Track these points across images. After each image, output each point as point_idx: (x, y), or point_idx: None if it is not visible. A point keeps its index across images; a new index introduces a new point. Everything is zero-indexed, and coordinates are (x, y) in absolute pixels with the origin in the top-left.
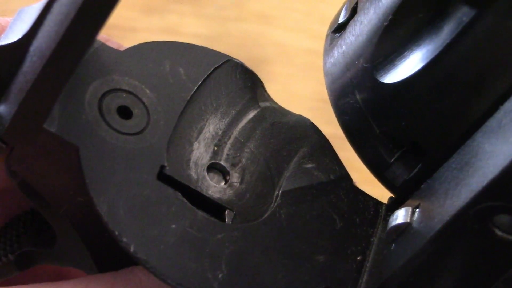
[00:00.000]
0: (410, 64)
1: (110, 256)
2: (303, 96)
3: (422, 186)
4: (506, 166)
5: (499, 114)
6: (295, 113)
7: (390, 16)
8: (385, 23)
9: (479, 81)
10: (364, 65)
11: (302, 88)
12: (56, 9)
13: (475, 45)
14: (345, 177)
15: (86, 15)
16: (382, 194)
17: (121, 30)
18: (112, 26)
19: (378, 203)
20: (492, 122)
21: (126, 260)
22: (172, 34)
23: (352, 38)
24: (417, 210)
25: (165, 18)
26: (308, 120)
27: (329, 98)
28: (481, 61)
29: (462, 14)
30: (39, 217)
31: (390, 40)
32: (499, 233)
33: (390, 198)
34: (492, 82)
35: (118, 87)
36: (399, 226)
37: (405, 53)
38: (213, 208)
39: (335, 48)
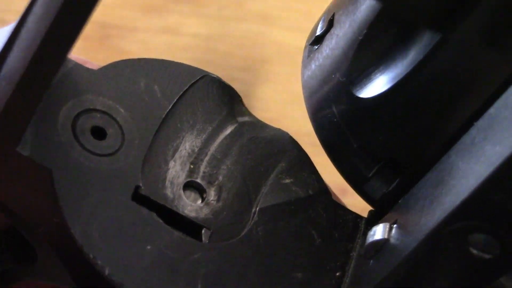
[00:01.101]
0: (385, 79)
1: (89, 275)
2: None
3: (400, 201)
4: (478, 186)
5: (472, 131)
6: (274, 127)
7: (365, 31)
8: (360, 38)
9: (449, 100)
10: (340, 79)
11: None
12: (24, 34)
13: (443, 67)
14: (324, 192)
15: (53, 40)
16: None
17: (121, 30)
18: (112, 26)
19: (357, 217)
20: (465, 139)
21: (104, 280)
22: (172, 34)
23: (328, 51)
24: (394, 226)
25: (165, 18)
26: (287, 134)
27: (307, 112)
28: (449, 81)
29: (428, 38)
30: (19, 234)
31: (366, 55)
32: (474, 251)
33: (370, 211)
34: (463, 101)
35: (92, 107)
36: (377, 242)
37: (380, 68)
38: (190, 227)
39: (312, 61)
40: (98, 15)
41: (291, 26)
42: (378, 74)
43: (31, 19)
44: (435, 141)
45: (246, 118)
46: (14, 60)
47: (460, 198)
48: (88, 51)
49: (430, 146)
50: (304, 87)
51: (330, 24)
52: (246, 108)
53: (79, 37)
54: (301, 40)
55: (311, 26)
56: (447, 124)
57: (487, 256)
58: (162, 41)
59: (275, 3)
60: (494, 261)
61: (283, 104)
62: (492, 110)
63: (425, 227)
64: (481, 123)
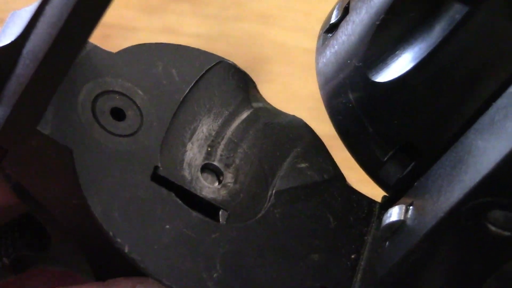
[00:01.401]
0: (403, 63)
1: (106, 259)
2: (303, 96)
3: (416, 184)
4: (499, 162)
5: (491, 111)
6: (288, 114)
7: (382, 15)
8: (377, 23)
9: (471, 79)
10: (356, 64)
11: (302, 87)
12: (49, 11)
13: (468, 43)
14: (339, 177)
15: (79, 17)
16: (380, 193)
17: (121, 30)
18: (112, 26)
19: (372, 202)
20: (484, 118)
21: (121, 263)
22: (172, 34)
23: (344, 37)
24: (411, 207)
25: (165, 18)
26: (302, 120)
27: (322, 99)
28: (473, 59)
29: (455, 12)
30: (33, 220)
31: (383, 39)
32: (493, 228)
33: (384, 197)
34: (485, 80)
35: (111, 89)
36: (393, 223)
37: (398, 52)
38: (208, 208)
39: (327, 48)
40: None
41: (291, 26)
42: (396, 58)
43: None
44: (452, 123)
45: (260, 104)
46: (38, 38)
47: (481, 175)
48: None
49: (446, 128)
50: (318, 74)
51: (345, 11)
52: (260, 95)
53: (104, 15)
54: (301, 40)
55: (311, 26)
56: (466, 104)
57: (506, 233)
58: (162, 41)
59: (275, 3)
60: None
61: (283, 104)
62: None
63: (444, 205)
64: (500, 102)
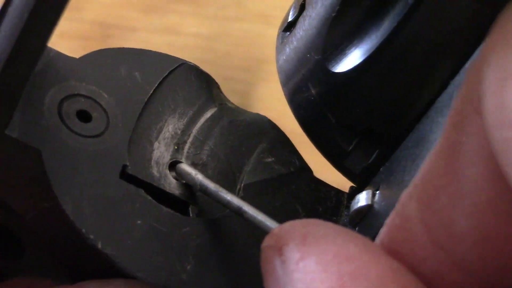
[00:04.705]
0: (360, 51)
1: (81, 262)
2: None
3: (381, 169)
4: None
5: (450, 89)
6: (252, 112)
7: (337, 7)
8: (333, 14)
9: (428, 61)
10: (315, 57)
11: None
12: (10, 13)
13: (422, 26)
14: (305, 169)
15: (35, 23)
16: None
17: (121, 30)
18: (112, 26)
19: (339, 192)
20: (443, 97)
21: (96, 264)
22: (172, 34)
23: (302, 33)
24: (377, 192)
25: (165, 18)
26: (265, 117)
27: (285, 95)
28: (428, 40)
29: (402, 2)
30: (6, 229)
31: (339, 30)
32: None
33: (351, 187)
34: (442, 60)
35: (76, 92)
36: (361, 209)
37: (355, 41)
38: (178, 204)
39: (287, 45)
40: (98, 15)
41: None
42: (353, 47)
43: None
44: (411, 107)
45: (224, 104)
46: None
47: None
48: (89, 51)
49: (407, 112)
50: (280, 72)
51: (302, 8)
52: (224, 95)
53: (59, 20)
54: None
55: None
56: (425, 86)
57: None
58: (162, 41)
59: (275, 3)
60: None
61: (283, 104)
62: (468, 65)
63: (409, 183)
64: (458, 79)
